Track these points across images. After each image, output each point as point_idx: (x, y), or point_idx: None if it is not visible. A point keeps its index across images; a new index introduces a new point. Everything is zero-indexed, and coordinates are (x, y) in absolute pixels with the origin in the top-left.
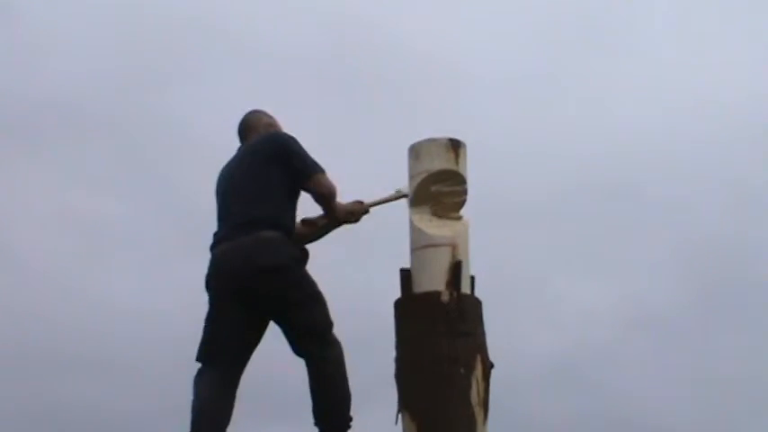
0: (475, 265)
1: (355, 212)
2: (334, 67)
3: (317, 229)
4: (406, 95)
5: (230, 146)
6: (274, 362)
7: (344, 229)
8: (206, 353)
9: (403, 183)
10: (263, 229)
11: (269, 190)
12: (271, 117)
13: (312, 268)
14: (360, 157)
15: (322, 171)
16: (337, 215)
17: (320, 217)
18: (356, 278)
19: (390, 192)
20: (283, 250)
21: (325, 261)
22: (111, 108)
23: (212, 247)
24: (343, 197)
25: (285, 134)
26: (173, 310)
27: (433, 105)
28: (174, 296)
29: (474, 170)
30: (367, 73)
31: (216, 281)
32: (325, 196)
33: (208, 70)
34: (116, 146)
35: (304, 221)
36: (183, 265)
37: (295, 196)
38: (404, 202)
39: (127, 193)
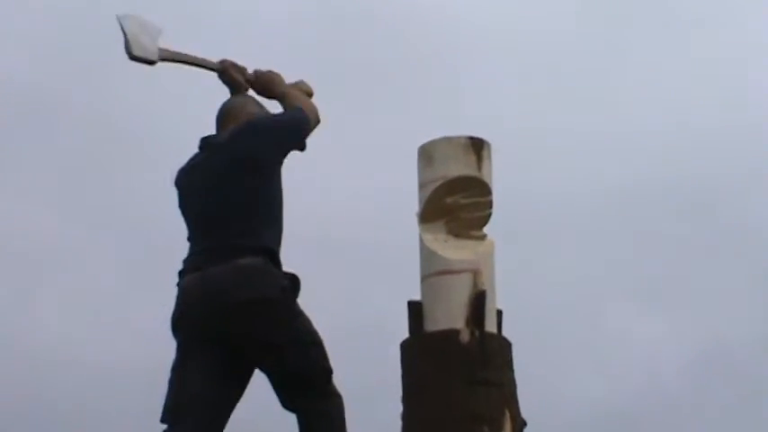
0: (502, 296)
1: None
2: (311, 32)
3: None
4: (413, 80)
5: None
6: (260, 418)
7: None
8: (173, 412)
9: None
10: (241, 255)
11: (247, 201)
12: (257, 103)
13: (304, 301)
14: (350, 160)
15: (304, 118)
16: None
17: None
18: (356, 313)
19: None
20: (266, 280)
21: (320, 292)
22: (49, 95)
23: (178, 279)
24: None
25: (254, 121)
26: (130, 358)
27: (448, 92)
28: (131, 341)
29: (500, 173)
30: (358, 44)
31: (183, 322)
32: (315, 123)
33: (180, 39)
34: (56, 144)
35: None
36: (143, 300)
37: (280, 202)
38: (413, 217)
39: (70, 208)
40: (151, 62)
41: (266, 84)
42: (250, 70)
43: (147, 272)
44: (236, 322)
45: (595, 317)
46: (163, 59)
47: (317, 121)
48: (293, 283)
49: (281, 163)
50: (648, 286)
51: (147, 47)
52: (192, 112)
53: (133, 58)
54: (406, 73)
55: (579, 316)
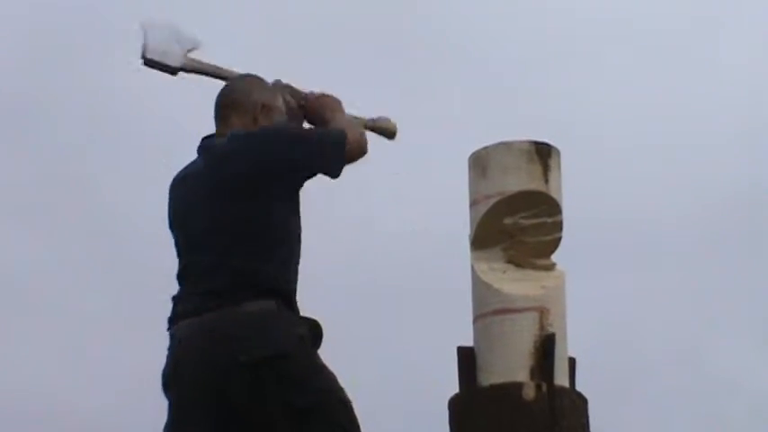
0: (575, 341)
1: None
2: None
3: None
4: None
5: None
6: None
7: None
8: None
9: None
10: (248, 297)
11: (256, 227)
12: (268, 88)
13: (326, 351)
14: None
15: (344, 136)
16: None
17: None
18: (392, 362)
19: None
20: (280, 330)
21: (344, 336)
22: (18, 87)
23: (170, 325)
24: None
25: (271, 129)
26: (111, 414)
27: (505, 88)
28: (114, 394)
29: (572, 186)
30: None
31: (178, 380)
32: (365, 147)
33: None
34: (26, 144)
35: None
36: (129, 345)
37: (296, 226)
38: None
39: (44, 228)
40: (172, 69)
41: (318, 108)
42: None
43: (139, 303)
44: (245, 384)
45: (696, 361)
46: (188, 69)
47: (362, 152)
48: (313, 330)
49: (299, 185)
50: (760, 323)
51: (169, 52)
52: (193, 100)
53: (147, 62)
54: (448, 64)
55: (675, 360)
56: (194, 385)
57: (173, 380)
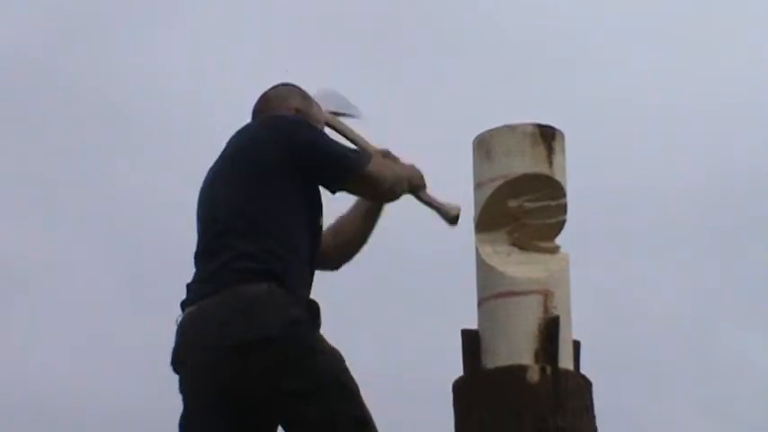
0: (579, 323)
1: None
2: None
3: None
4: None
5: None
6: None
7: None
8: None
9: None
10: (241, 282)
11: (262, 212)
12: (308, 101)
13: (330, 334)
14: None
15: (369, 161)
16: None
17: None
18: (398, 345)
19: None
20: (268, 313)
21: (350, 321)
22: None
23: (181, 310)
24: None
25: (292, 118)
26: (125, 399)
27: (511, 70)
28: (127, 376)
29: (576, 169)
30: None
31: (180, 368)
32: (387, 192)
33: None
34: (31, 127)
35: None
36: (140, 329)
37: (310, 215)
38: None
39: (50, 215)
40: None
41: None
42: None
43: (149, 291)
44: (235, 369)
45: (704, 344)
46: (337, 129)
47: (398, 188)
48: (311, 311)
49: (312, 182)
50: None
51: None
52: (210, 86)
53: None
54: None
55: (681, 344)
56: (194, 371)
57: (177, 366)
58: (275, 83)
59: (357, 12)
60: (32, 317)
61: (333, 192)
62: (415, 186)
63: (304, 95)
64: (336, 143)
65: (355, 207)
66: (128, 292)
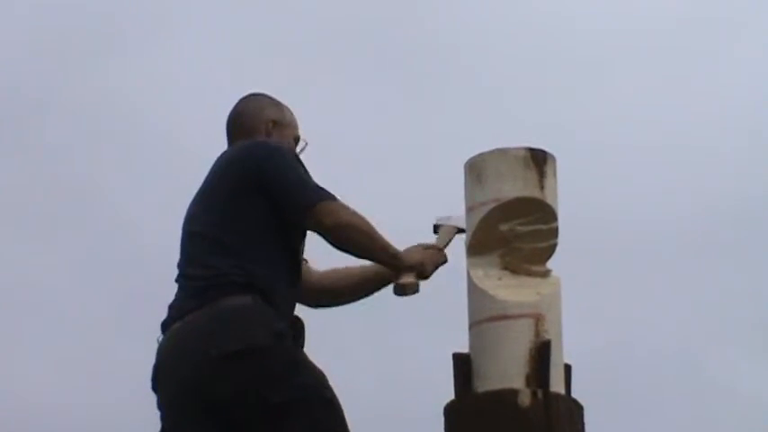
0: (571, 347)
1: (427, 262)
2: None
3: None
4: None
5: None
6: None
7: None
8: None
9: (452, 212)
10: (224, 295)
11: (239, 231)
12: (280, 108)
13: (315, 350)
14: (378, 172)
15: (331, 198)
16: (399, 262)
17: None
18: (388, 368)
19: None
20: (252, 325)
21: (341, 343)
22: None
23: (161, 330)
24: None
25: (269, 145)
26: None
27: (500, 94)
28: (113, 393)
29: (567, 193)
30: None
31: (160, 385)
32: (341, 228)
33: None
34: (29, 146)
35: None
36: (127, 348)
37: (287, 236)
38: (460, 243)
39: (44, 232)
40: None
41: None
42: None
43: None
44: (217, 379)
45: (692, 367)
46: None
47: (349, 221)
48: (295, 327)
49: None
50: (764, 329)
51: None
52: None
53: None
54: (446, 72)
55: (671, 366)
56: (179, 384)
57: (157, 384)
58: (242, 94)
59: (345, 33)
60: (17, 335)
61: (297, 219)
62: (419, 273)
63: (275, 103)
64: (303, 177)
65: (366, 266)
66: (115, 312)
